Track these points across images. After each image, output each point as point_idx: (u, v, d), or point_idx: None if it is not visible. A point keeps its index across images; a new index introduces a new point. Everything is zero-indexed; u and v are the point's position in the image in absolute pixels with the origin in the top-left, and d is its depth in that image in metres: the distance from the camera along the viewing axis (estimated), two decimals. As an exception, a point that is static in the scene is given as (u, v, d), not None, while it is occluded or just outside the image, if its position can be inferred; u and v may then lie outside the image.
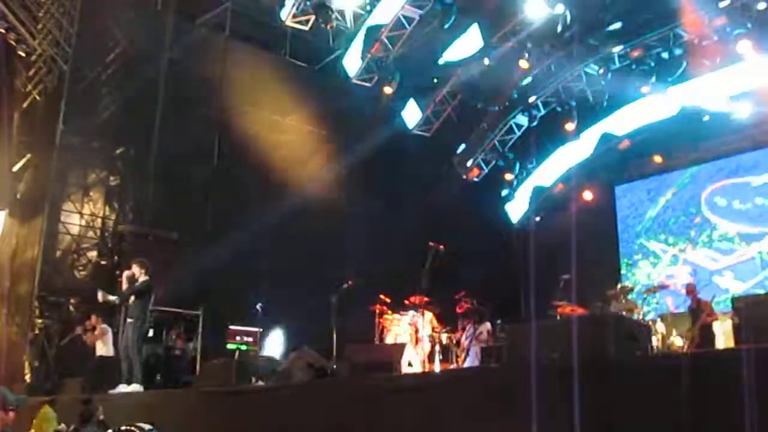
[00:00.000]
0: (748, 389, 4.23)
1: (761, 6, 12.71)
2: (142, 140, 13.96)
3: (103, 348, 11.21)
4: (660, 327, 10.66)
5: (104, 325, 11.28)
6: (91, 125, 13.70)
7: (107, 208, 13.88)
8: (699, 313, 10.46)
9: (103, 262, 13.46)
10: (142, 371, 9.92)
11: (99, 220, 13.74)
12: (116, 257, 13.35)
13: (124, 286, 10.16)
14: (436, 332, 11.02)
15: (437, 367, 10.38)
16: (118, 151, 14.07)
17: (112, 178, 14.04)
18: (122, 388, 9.67)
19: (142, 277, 10.03)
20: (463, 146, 18.00)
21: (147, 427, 6.56)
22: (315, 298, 10.98)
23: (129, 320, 9.95)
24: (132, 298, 9.98)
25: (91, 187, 13.79)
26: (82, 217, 13.54)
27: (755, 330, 7.68)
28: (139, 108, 14.01)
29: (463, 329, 11.30)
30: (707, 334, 10.14)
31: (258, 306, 11.62)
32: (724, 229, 15.53)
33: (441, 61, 16.24)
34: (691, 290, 11.08)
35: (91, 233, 13.62)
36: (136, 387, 9.64)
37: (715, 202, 15.73)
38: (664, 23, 14.28)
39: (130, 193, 14.02)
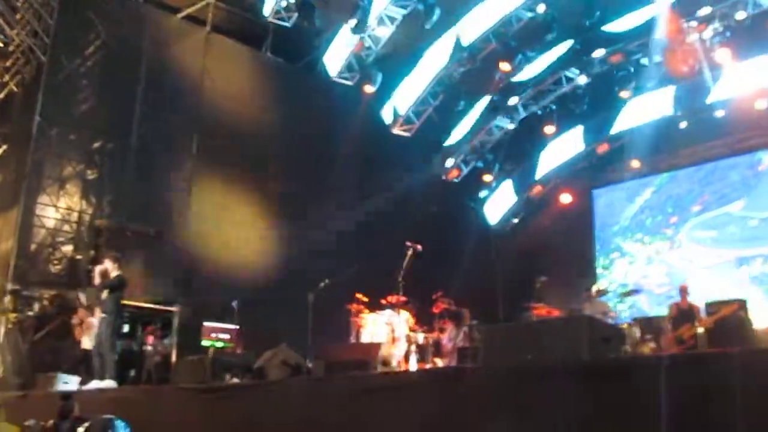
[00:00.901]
0: (720, 393, 4.28)
1: (740, 15, 12.92)
2: (121, 133, 13.84)
3: (89, 341, 11.13)
4: (634, 330, 10.73)
5: (91, 319, 11.20)
6: (68, 117, 13.52)
7: (84, 202, 13.69)
8: (693, 316, 10.44)
9: (78, 257, 13.29)
10: (116, 367, 9.85)
11: (75, 214, 13.55)
12: (92, 252, 13.20)
13: (97, 280, 10.06)
14: (412, 332, 11.05)
15: (413, 367, 10.41)
16: (96, 144, 13.90)
17: (89, 171, 13.85)
18: (95, 384, 9.60)
19: (115, 272, 9.94)
20: (443, 147, 18.04)
21: (120, 423, 6.54)
22: (292, 296, 10.94)
23: (102, 315, 9.88)
24: (105, 293, 9.90)
25: (68, 180, 13.60)
26: (57, 210, 13.35)
27: (725, 333, 7.78)
28: (118, 101, 13.89)
29: (440, 330, 11.34)
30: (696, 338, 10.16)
31: (233, 303, 11.56)
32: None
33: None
34: (683, 290, 11.07)
35: (66, 227, 13.44)
36: (109, 382, 9.57)
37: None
38: (644, 30, 14.43)
39: (107, 187, 13.85)
